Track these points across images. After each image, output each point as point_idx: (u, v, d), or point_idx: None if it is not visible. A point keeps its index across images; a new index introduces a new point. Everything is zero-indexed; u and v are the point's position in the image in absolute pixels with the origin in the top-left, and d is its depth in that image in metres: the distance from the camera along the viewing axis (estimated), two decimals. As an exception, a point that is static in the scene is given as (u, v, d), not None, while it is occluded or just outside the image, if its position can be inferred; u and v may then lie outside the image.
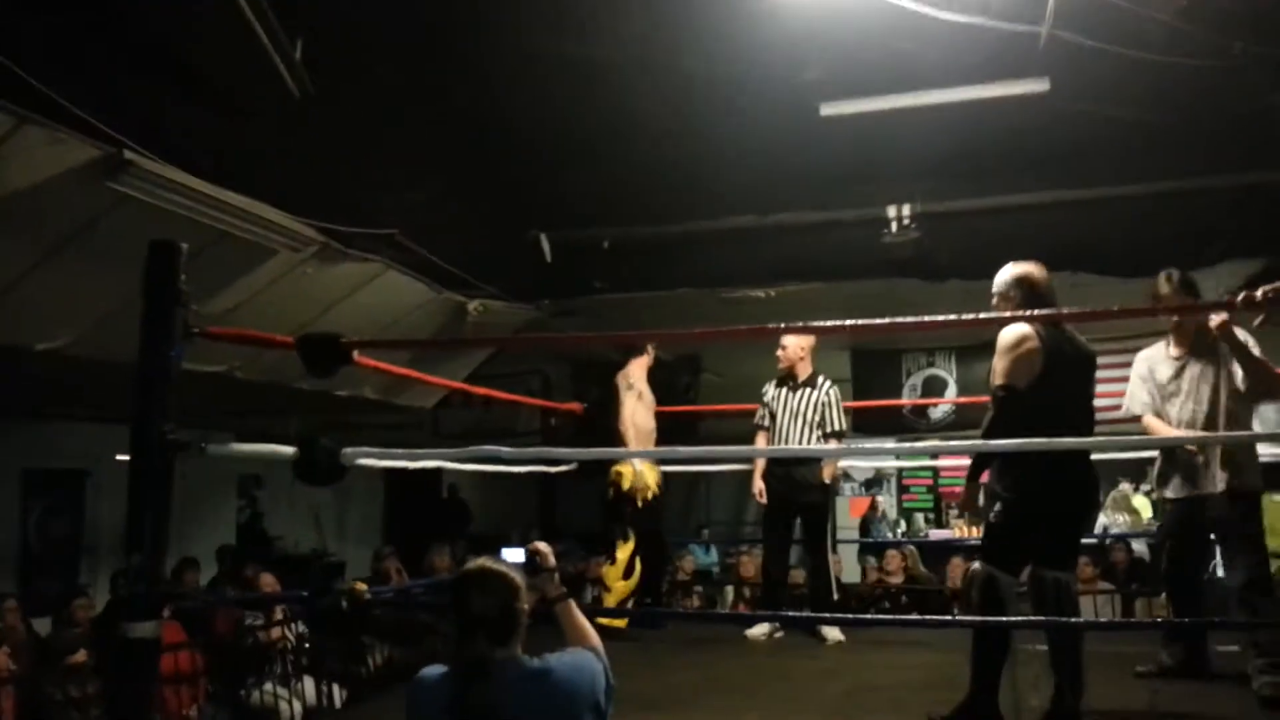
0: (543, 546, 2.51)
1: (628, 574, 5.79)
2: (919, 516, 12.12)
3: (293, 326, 5.06)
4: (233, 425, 9.60)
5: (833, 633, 5.44)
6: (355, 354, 3.44)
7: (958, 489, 11.10)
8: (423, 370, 5.60)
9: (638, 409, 5.82)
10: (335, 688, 6.33)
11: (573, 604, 2.45)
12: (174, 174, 4.26)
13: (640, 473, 5.69)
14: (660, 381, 6.42)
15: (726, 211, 6.53)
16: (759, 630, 5.58)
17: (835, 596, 5.78)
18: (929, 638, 5.29)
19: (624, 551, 5.79)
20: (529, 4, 4.78)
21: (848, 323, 3.38)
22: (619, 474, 5.69)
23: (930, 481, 12.31)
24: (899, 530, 11.56)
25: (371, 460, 3.51)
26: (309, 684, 6.34)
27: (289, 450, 3.08)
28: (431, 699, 2.18)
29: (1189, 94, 5.12)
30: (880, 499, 11.90)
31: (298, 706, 6.16)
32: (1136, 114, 5.35)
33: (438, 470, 11.36)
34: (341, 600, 4.16)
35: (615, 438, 5.77)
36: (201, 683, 6.02)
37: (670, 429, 6.33)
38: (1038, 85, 5.26)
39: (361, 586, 4.06)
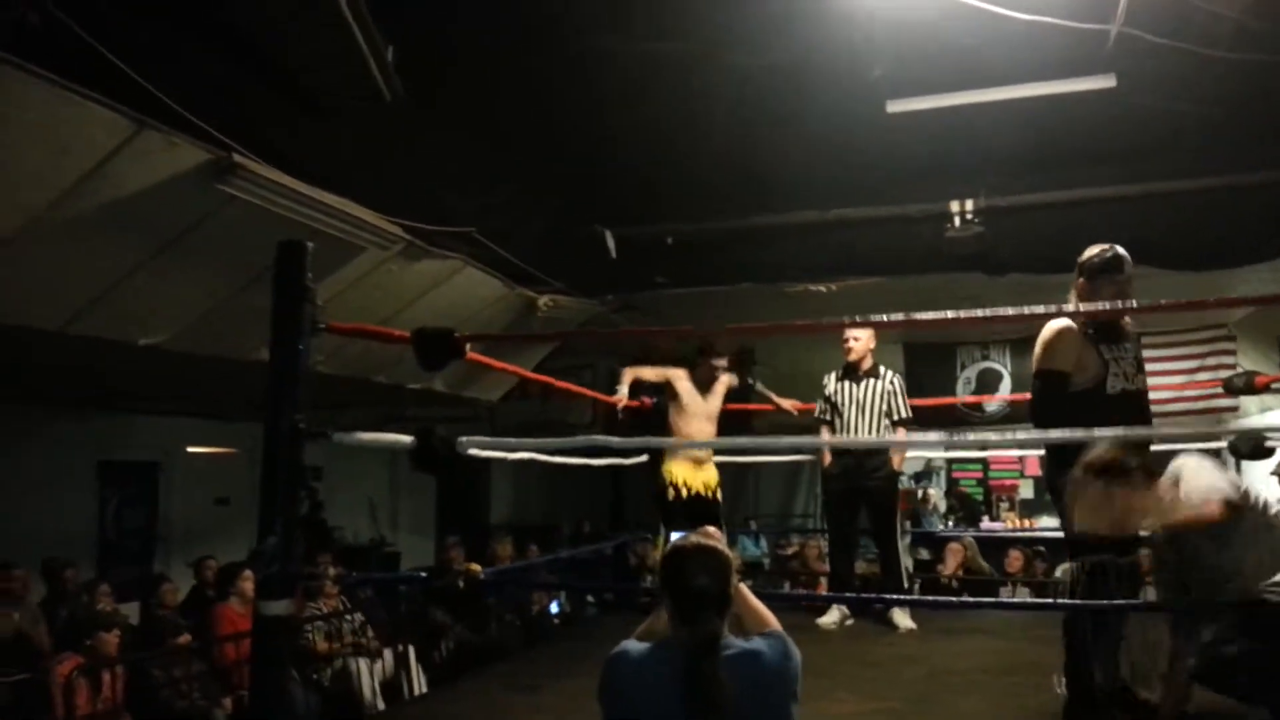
0: (713, 530, 2.53)
1: None
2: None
3: (375, 322, 5.24)
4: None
5: (904, 620, 5.55)
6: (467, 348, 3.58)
7: (1008, 481, 11.26)
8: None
9: (678, 419, 5.87)
10: (414, 665, 6.57)
11: (745, 588, 2.42)
12: (277, 175, 4.45)
13: (672, 471, 5.78)
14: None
15: (790, 207, 6.64)
16: (830, 618, 5.68)
17: (907, 585, 5.89)
18: (997, 626, 5.40)
19: (657, 549, 5.95)
20: (594, 3, 4.90)
21: (902, 316, 3.40)
22: (662, 473, 5.84)
23: (980, 474, 12.33)
24: (949, 523, 11.61)
25: (483, 451, 3.68)
26: (388, 657, 6.58)
27: (407, 439, 3.26)
28: (648, 677, 2.13)
29: (1254, 89, 5.16)
30: (931, 491, 11.94)
31: (375, 681, 6.39)
32: (1201, 109, 5.41)
33: (487, 462, 11.59)
34: (460, 581, 4.33)
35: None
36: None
37: (724, 423, 6.40)
38: (1105, 82, 5.34)
39: (476, 568, 4.24)
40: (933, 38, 5.06)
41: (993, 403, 9.47)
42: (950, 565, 7.67)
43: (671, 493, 5.75)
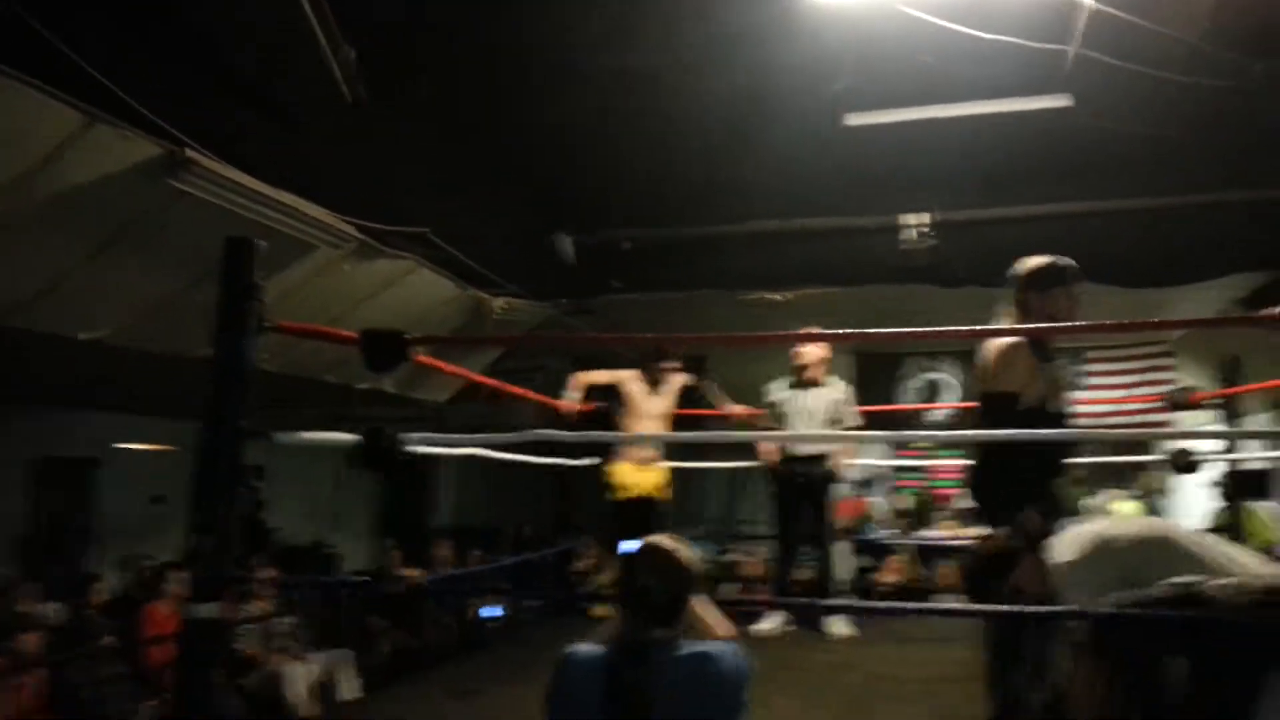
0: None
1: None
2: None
3: (325, 321, 5.14)
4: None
5: (840, 627, 5.57)
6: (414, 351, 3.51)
7: (947, 490, 11.40)
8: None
9: (628, 420, 5.84)
10: (350, 668, 6.46)
11: (706, 599, 2.39)
12: (230, 172, 4.34)
13: (617, 472, 5.80)
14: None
15: (748, 215, 6.66)
16: (769, 624, 5.69)
17: (838, 588, 5.92)
18: (934, 633, 5.44)
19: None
20: (557, 15, 4.87)
21: (855, 330, 3.36)
22: (606, 473, 5.86)
23: (922, 484, 12.47)
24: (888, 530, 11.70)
25: (432, 448, 3.62)
26: (320, 660, 6.47)
27: (352, 438, 3.19)
28: (584, 676, 2.13)
29: (1207, 112, 5.28)
30: (874, 500, 12.02)
31: (304, 686, 6.28)
32: (1155, 130, 5.51)
33: (435, 461, 11.47)
34: (402, 586, 4.28)
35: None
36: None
37: (676, 428, 6.36)
38: (1061, 100, 5.43)
39: (415, 574, 4.19)
40: (894, 53, 5.11)
41: (939, 413, 9.57)
42: (891, 574, 7.71)
43: (618, 493, 5.75)
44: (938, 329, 3.32)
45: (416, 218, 5.83)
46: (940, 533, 10.59)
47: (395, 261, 5.94)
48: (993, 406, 3.35)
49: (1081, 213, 6.25)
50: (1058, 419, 3.38)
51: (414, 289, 6.31)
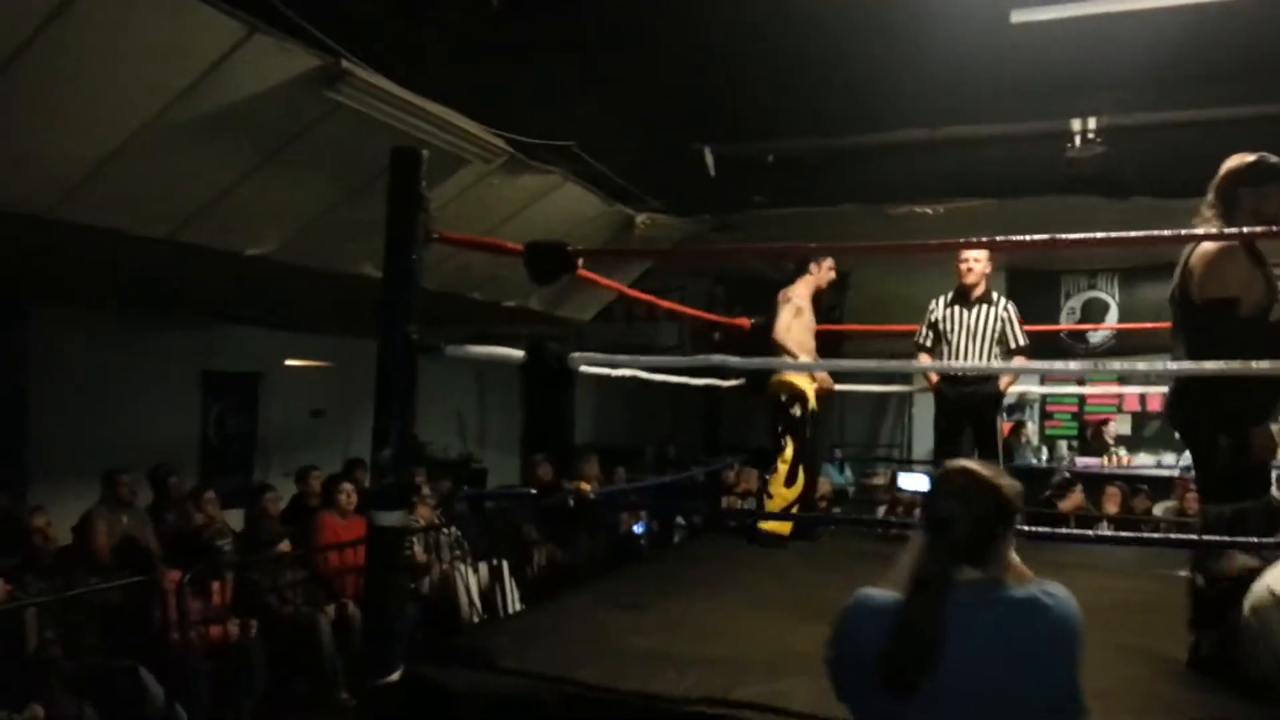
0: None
1: (789, 482, 5.80)
2: (1062, 444, 11.87)
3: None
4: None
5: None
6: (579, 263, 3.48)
7: (1104, 416, 10.93)
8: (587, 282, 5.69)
9: (794, 324, 5.70)
10: (508, 579, 6.66)
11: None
12: (385, 84, 4.37)
13: (794, 382, 5.66)
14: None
15: (900, 124, 6.37)
16: None
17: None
18: (1105, 563, 5.22)
19: (784, 461, 5.81)
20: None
21: (1016, 239, 3.10)
22: (778, 383, 5.69)
23: (1075, 409, 12.01)
24: (1043, 456, 11.34)
25: (596, 368, 3.62)
26: (483, 570, 6.69)
27: (519, 354, 3.20)
28: (874, 623, 1.80)
29: None
30: (1028, 424, 11.66)
31: (475, 587, 6.51)
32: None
33: (573, 379, 11.62)
34: (569, 499, 4.33)
35: (772, 349, 5.69)
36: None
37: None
38: (1251, -11, 4.97)
39: (586, 486, 4.23)
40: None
41: (1097, 334, 9.13)
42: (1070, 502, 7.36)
43: (798, 408, 5.62)
44: (1122, 234, 3.04)
45: (559, 131, 5.79)
46: (1098, 461, 10.22)
47: (542, 176, 5.94)
48: (1208, 315, 3.11)
49: (1266, 116, 5.75)
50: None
51: (560, 204, 6.31)
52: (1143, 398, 10.24)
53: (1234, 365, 2.80)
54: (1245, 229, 3.19)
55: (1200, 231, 3.23)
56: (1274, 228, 3.30)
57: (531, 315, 8.17)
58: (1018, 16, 5.36)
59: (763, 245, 7.23)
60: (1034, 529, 3.29)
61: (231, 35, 3.78)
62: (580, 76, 5.70)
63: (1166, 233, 3.18)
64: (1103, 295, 9.18)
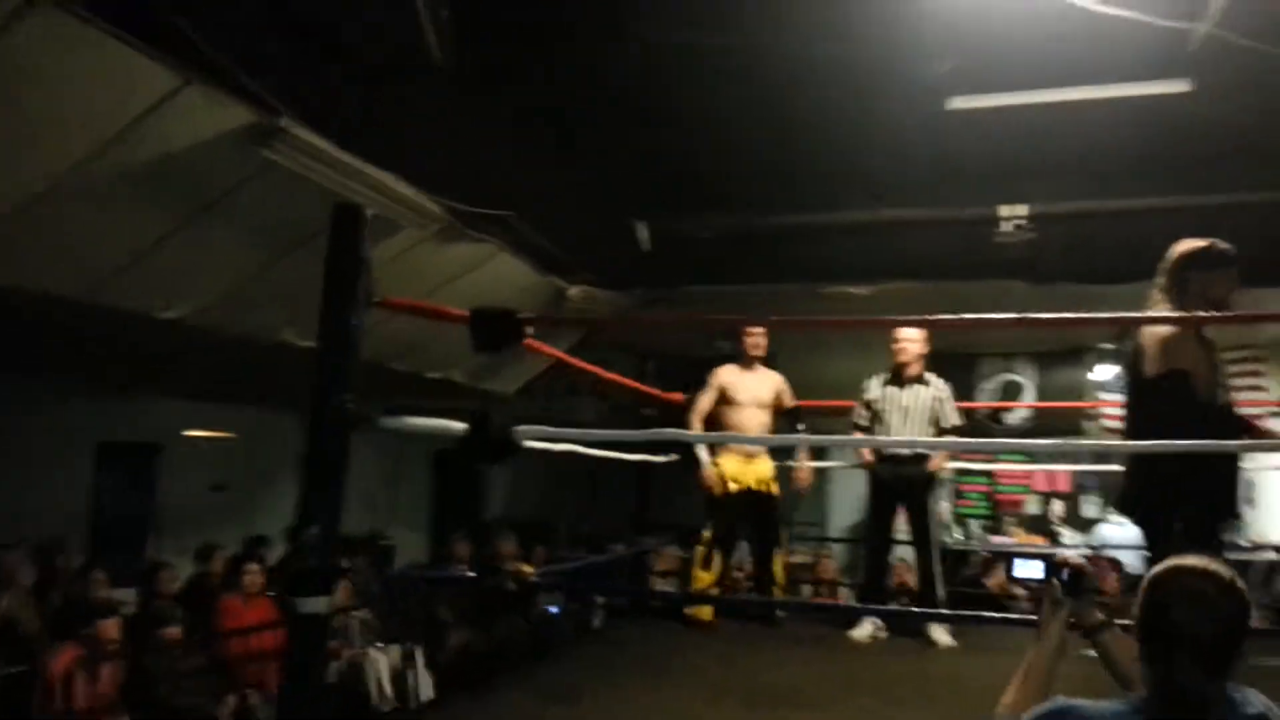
0: (1080, 561, 2.08)
1: (705, 564, 5.67)
2: (973, 522, 11.98)
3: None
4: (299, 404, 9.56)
5: (943, 636, 5.32)
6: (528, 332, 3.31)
7: (1014, 496, 11.08)
8: (517, 353, 5.50)
9: (722, 408, 5.56)
10: (420, 665, 6.32)
11: (1119, 631, 1.98)
12: (321, 143, 4.18)
13: (720, 464, 5.53)
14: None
15: (835, 205, 6.41)
16: (863, 631, 5.45)
17: (941, 595, 5.63)
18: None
19: (701, 544, 5.69)
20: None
21: (950, 317, 3.06)
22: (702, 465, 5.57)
23: (987, 488, 12.16)
24: (955, 535, 11.40)
25: (540, 442, 3.44)
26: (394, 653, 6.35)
27: (460, 426, 3.00)
28: None
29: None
30: (942, 503, 11.74)
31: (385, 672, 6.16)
32: (1275, 120, 5.22)
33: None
34: (509, 581, 4.09)
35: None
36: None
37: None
38: (1179, 86, 5.14)
39: (528, 569, 4.00)
40: (1004, 32, 4.84)
41: (1014, 413, 9.27)
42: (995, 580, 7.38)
43: (719, 488, 5.50)
44: (1056, 315, 2.99)
45: (498, 201, 5.66)
46: (1010, 539, 10.32)
47: (476, 245, 5.77)
48: (1161, 393, 3.11)
49: (1192, 207, 5.93)
50: (1230, 415, 3.15)
51: (493, 273, 6.14)
52: (1051, 477, 10.44)
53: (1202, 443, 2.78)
54: (1192, 312, 3.24)
55: (1147, 314, 3.27)
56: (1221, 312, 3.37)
57: (454, 389, 7.91)
58: (955, 103, 5.47)
59: (718, 316, 7.13)
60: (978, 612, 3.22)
61: (164, 85, 3.56)
62: (520, 146, 5.59)
63: (1106, 315, 3.23)
64: (1018, 378, 9.36)
